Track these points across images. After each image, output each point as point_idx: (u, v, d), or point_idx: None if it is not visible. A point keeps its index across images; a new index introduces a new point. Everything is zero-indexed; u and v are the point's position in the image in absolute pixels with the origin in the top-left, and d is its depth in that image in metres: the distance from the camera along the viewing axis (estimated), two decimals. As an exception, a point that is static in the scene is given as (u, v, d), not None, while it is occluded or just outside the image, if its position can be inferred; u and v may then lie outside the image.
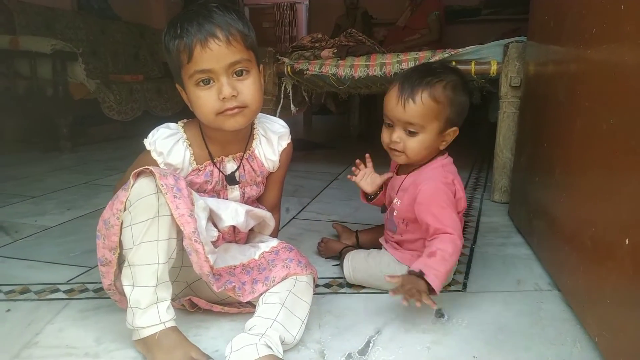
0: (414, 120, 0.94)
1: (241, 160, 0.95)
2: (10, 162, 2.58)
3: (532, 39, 1.46)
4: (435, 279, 0.86)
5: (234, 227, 0.94)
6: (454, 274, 1.12)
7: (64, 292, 1.07)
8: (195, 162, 0.91)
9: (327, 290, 1.07)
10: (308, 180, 2.16)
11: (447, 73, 0.97)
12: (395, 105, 0.94)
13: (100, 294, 1.04)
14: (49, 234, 1.45)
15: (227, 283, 0.86)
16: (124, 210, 0.78)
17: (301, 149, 2.96)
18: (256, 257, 0.95)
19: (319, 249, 1.25)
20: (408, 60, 1.82)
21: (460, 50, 1.80)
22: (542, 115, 1.29)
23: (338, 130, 4.15)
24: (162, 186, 0.77)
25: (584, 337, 0.86)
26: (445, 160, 1.03)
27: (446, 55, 1.79)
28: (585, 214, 0.91)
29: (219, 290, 0.84)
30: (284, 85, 2.07)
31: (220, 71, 0.82)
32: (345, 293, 1.05)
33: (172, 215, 0.78)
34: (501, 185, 1.75)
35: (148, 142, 0.89)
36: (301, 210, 1.71)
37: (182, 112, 3.43)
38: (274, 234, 1.08)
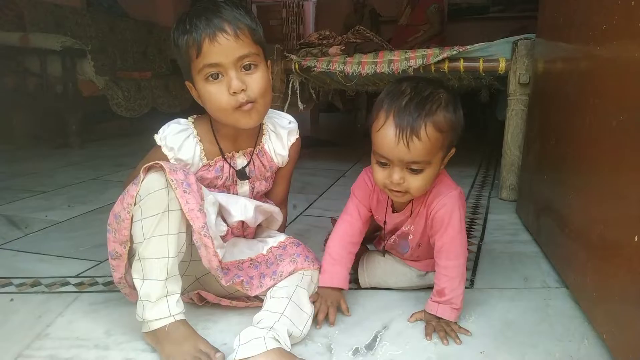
0: (420, 158, 0.81)
1: (251, 155, 0.96)
2: (21, 158, 2.61)
3: (540, 36, 1.45)
4: (453, 312, 0.88)
5: (242, 222, 0.95)
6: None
7: (74, 285, 1.08)
8: (205, 158, 0.92)
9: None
10: (315, 177, 2.16)
11: (437, 90, 0.84)
12: (395, 145, 0.80)
13: (110, 288, 1.05)
14: (59, 229, 1.47)
15: (235, 277, 0.87)
16: (135, 204, 0.79)
17: (308, 146, 2.96)
18: (264, 252, 0.96)
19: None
20: (416, 58, 1.81)
21: (468, 47, 1.80)
22: (551, 112, 1.28)
23: (345, 128, 4.15)
24: (172, 181, 0.78)
25: (591, 334, 0.86)
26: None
27: (454, 52, 1.79)
28: (594, 211, 0.90)
29: (227, 284, 0.85)
30: (291, 82, 2.07)
31: (228, 65, 0.82)
32: (352, 288, 1.05)
33: (181, 209, 0.79)
34: (509, 183, 1.74)
35: (159, 138, 0.90)
36: (308, 206, 1.71)
37: (189, 109, 3.45)
38: (282, 229, 1.08)
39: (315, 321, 0.88)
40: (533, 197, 1.39)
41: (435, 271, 0.92)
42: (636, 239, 0.71)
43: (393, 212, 0.97)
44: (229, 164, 0.94)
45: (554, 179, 1.19)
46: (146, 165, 0.80)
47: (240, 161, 0.95)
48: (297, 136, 1.01)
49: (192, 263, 0.91)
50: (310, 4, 6.08)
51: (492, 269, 1.16)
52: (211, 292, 0.94)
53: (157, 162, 0.80)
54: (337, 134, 3.78)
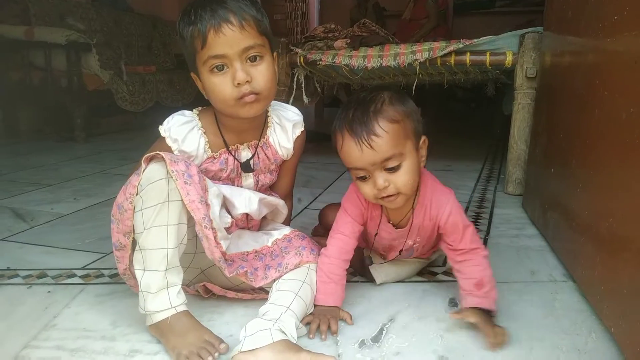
0: (389, 153, 0.80)
1: (256, 148, 0.96)
2: (26, 152, 2.62)
3: (548, 29, 1.44)
4: (493, 303, 0.86)
5: (247, 214, 0.95)
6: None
7: (80, 277, 1.08)
8: (210, 150, 0.92)
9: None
10: (320, 172, 2.16)
11: (377, 92, 0.84)
12: (360, 153, 0.80)
13: (116, 280, 1.05)
14: (65, 221, 1.47)
15: (239, 268, 0.87)
16: (136, 194, 0.79)
17: (312, 141, 2.95)
18: (269, 244, 0.95)
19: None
20: (422, 51, 1.80)
21: (475, 40, 1.78)
22: (559, 106, 1.27)
23: (349, 123, 4.13)
24: (173, 172, 0.78)
25: (599, 327, 0.86)
26: (426, 175, 0.94)
27: (461, 45, 1.78)
28: (602, 205, 0.89)
29: (231, 274, 0.85)
30: (296, 75, 2.06)
31: (234, 56, 0.82)
32: (358, 282, 1.05)
33: (182, 200, 0.79)
34: (515, 177, 1.73)
35: (163, 129, 0.89)
36: (313, 200, 1.71)
37: (193, 103, 3.44)
38: (287, 222, 1.08)
39: (319, 332, 0.83)
40: (539, 191, 1.38)
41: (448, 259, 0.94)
42: (646, 231, 0.70)
43: (396, 228, 0.96)
44: (234, 157, 0.94)
45: (561, 173, 1.18)
46: (147, 155, 0.81)
47: (245, 154, 0.95)
48: (302, 129, 1.00)
49: (197, 255, 0.91)
50: (314, -3, 6.05)
51: (499, 263, 1.15)
52: (217, 284, 0.94)
53: (158, 152, 0.80)
54: (341, 129, 3.76)
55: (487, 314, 0.84)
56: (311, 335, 0.82)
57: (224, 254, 0.84)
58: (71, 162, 2.38)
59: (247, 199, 0.91)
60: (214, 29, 0.80)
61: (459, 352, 0.80)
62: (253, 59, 0.84)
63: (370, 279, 1.04)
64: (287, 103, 1.04)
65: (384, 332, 0.85)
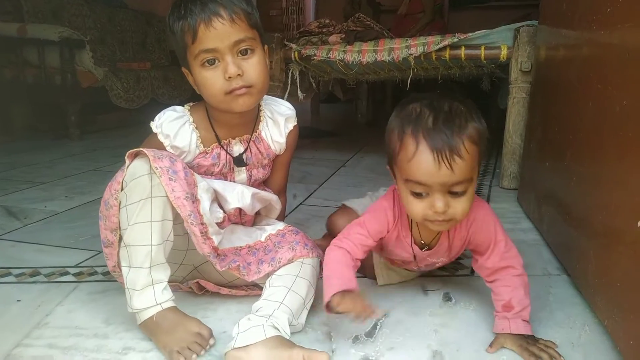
0: (463, 177, 0.72)
1: (248, 142, 0.95)
2: (20, 149, 2.60)
3: (543, 22, 1.43)
4: (527, 325, 0.80)
5: (240, 209, 0.94)
6: (462, 258, 1.12)
7: (73, 275, 1.08)
8: (202, 145, 0.91)
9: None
10: (315, 167, 2.15)
11: (454, 103, 0.75)
12: (436, 170, 0.70)
13: (109, 277, 1.05)
14: (58, 219, 1.46)
15: (232, 262, 0.87)
16: (121, 190, 0.79)
17: (308, 137, 2.95)
18: (262, 239, 0.95)
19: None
20: (417, 45, 1.79)
21: (469, 34, 1.78)
22: (553, 99, 1.27)
23: (345, 118, 4.13)
24: (157, 169, 0.78)
25: (593, 320, 0.86)
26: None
27: (455, 39, 1.77)
28: (596, 198, 0.89)
29: (223, 269, 0.85)
30: (291, 71, 2.05)
31: (225, 50, 0.81)
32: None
33: (167, 197, 0.79)
34: (510, 172, 1.73)
35: (155, 125, 0.89)
36: (308, 196, 1.70)
37: (190, 100, 3.42)
38: (281, 218, 1.08)
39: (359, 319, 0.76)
40: (534, 185, 1.38)
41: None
42: (639, 224, 0.70)
43: (421, 249, 0.89)
44: (226, 151, 0.93)
45: (555, 167, 1.18)
46: (131, 151, 0.80)
47: (237, 148, 0.94)
48: (295, 123, 0.99)
49: (189, 252, 0.91)
50: (310, -7, 6.03)
51: (493, 257, 1.15)
52: (210, 281, 0.93)
53: (141, 149, 0.80)
54: (337, 125, 3.76)
55: (524, 337, 0.78)
56: (374, 315, 0.79)
57: (216, 249, 0.84)
58: (65, 159, 2.36)
59: (239, 194, 0.91)
60: (205, 23, 0.80)
61: (453, 346, 0.80)
62: (244, 53, 0.83)
63: (371, 277, 1.03)
64: (282, 99, 1.03)
65: (378, 327, 0.85)
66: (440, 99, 0.76)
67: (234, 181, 0.95)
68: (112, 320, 0.88)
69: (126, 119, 3.64)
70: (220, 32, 0.80)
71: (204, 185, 0.85)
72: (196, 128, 0.91)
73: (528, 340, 0.78)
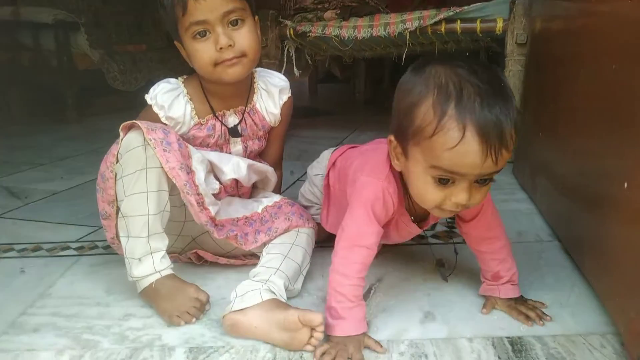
0: (499, 168, 0.64)
1: (243, 114, 0.96)
2: (19, 133, 2.61)
3: (538, -7, 1.43)
4: (516, 289, 0.82)
5: (236, 181, 0.96)
6: (455, 227, 1.13)
7: (74, 249, 1.10)
8: (197, 117, 0.92)
9: (331, 244, 1.08)
10: (312, 146, 2.16)
11: (495, 72, 0.65)
12: (481, 163, 0.61)
13: (109, 250, 1.07)
14: (59, 198, 1.48)
15: (229, 231, 0.89)
16: (116, 162, 0.81)
17: (306, 116, 2.95)
18: (259, 211, 0.97)
19: None
20: (412, 20, 1.78)
21: (465, 7, 1.76)
22: (548, 71, 1.27)
23: (344, 98, 4.11)
24: (151, 140, 0.80)
25: (581, 282, 0.88)
26: None
27: (451, 13, 1.76)
28: (586, 164, 0.91)
29: (221, 237, 0.87)
30: (286, 48, 2.04)
31: (215, 21, 0.82)
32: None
33: (162, 167, 0.80)
34: (506, 145, 1.74)
35: (149, 97, 0.90)
36: (305, 172, 1.71)
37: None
38: (277, 190, 1.09)
39: None
40: (529, 157, 1.39)
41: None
42: (625, 185, 0.71)
43: (420, 227, 0.84)
44: (221, 122, 0.94)
45: (548, 135, 1.19)
46: (125, 123, 0.82)
47: (232, 119, 0.96)
48: (289, 95, 1.00)
49: (187, 223, 0.93)
50: (306, -28, 5.93)
51: (487, 226, 1.17)
52: (209, 251, 0.95)
53: (135, 121, 0.82)
54: (335, 104, 3.75)
55: (514, 299, 0.80)
56: None
57: (213, 219, 0.86)
58: (64, 141, 2.37)
59: (235, 165, 0.92)
60: None
61: (445, 307, 0.82)
62: (234, 23, 0.84)
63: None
64: None
65: (372, 291, 0.87)
66: (477, 65, 0.64)
67: (230, 153, 0.97)
68: (113, 290, 0.91)
69: (123, 101, 3.63)
70: (209, 3, 0.81)
71: (199, 157, 0.86)
72: (190, 100, 0.92)
73: (517, 301, 0.81)
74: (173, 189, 0.84)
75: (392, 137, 0.71)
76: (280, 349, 0.72)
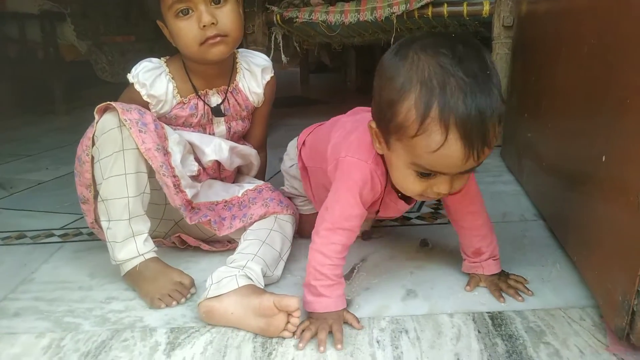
0: (482, 162, 0.64)
1: (225, 93, 0.95)
2: (6, 126, 2.58)
3: (523, -26, 1.42)
4: (497, 263, 0.82)
5: (218, 163, 0.95)
6: (442, 208, 1.14)
7: (58, 236, 1.09)
8: (179, 95, 0.92)
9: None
10: (302, 133, 2.15)
11: (481, 55, 0.61)
12: (462, 163, 0.61)
13: (94, 237, 1.05)
14: (44, 187, 1.47)
15: (203, 216, 0.88)
16: (93, 145, 0.80)
17: (298, 105, 2.95)
18: (239, 195, 0.96)
19: None
20: (399, 4, 1.77)
21: (451, -10, 1.76)
22: (532, 51, 1.27)
23: (335, 87, 4.10)
24: (126, 121, 0.79)
25: (564, 259, 0.88)
26: None
27: (438, -4, 1.75)
28: (567, 141, 0.91)
29: (193, 222, 0.86)
30: (274, 35, 2.03)
31: (198, 0, 0.81)
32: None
33: (138, 149, 0.79)
34: (494, 129, 1.74)
35: (131, 76, 0.90)
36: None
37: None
38: (261, 175, 1.09)
39: (316, 342, 0.68)
40: (516, 139, 1.40)
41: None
42: (603, 158, 0.72)
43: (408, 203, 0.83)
44: (204, 101, 0.94)
45: (533, 117, 1.19)
46: (100, 106, 0.81)
47: (215, 99, 0.95)
48: (272, 74, 1.00)
49: (168, 207, 0.92)
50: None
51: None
52: (191, 235, 0.95)
53: (110, 102, 0.81)
54: (327, 93, 3.73)
55: (496, 274, 0.81)
56: (301, 345, 0.67)
57: (189, 202, 0.85)
58: (52, 133, 2.35)
59: (217, 146, 0.92)
60: None
61: (427, 285, 0.82)
62: (217, 1, 0.84)
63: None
64: None
65: (355, 271, 0.87)
66: (464, 48, 0.60)
67: (213, 134, 0.96)
68: (96, 275, 0.90)
69: (112, 93, 3.60)
70: None
71: (175, 138, 0.86)
72: (172, 78, 0.92)
73: (500, 277, 0.81)
74: (152, 171, 0.83)
75: (373, 124, 0.69)
76: (261, 329, 0.72)
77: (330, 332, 0.69)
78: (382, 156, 0.73)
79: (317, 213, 0.80)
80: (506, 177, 1.39)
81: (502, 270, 0.83)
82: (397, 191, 0.79)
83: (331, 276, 0.72)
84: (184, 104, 0.92)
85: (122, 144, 0.79)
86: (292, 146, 1.02)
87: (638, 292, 0.59)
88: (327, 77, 4.71)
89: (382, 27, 1.94)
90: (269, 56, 2.05)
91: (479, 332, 0.69)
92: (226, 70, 0.95)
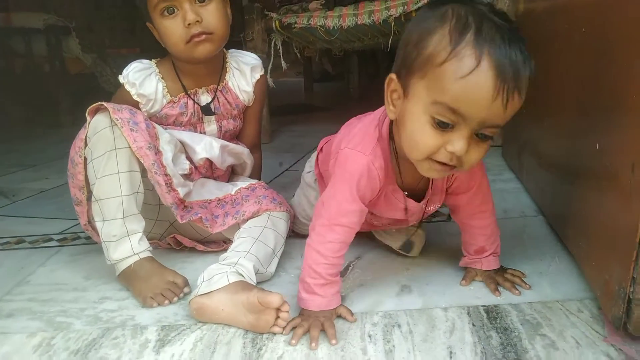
0: (506, 120, 0.59)
1: (215, 92, 0.96)
2: (12, 138, 2.62)
3: (519, -28, 1.42)
4: (497, 260, 0.81)
5: (211, 162, 0.95)
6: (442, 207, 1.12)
7: (57, 240, 1.10)
8: (168, 95, 0.92)
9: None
10: (305, 139, 2.15)
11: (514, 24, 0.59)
12: (489, 102, 0.55)
13: (91, 240, 1.06)
14: (46, 195, 1.48)
15: (194, 214, 0.87)
16: (85, 146, 0.81)
17: (301, 112, 2.97)
18: (232, 193, 0.95)
19: None
20: (396, 6, 1.78)
21: (449, -8, 1.76)
22: (530, 50, 1.26)
23: (339, 94, 4.12)
24: (117, 120, 0.79)
25: (563, 253, 0.87)
26: None
27: (435, -2, 1.75)
28: (564, 136, 0.90)
29: (183, 221, 0.86)
30: (273, 41, 2.04)
31: None
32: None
33: (130, 148, 0.79)
34: (495, 129, 1.73)
35: (122, 76, 0.91)
36: (294, 163, 1.71)
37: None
38: (256, 175, 1.09)
39: (309, 339, 0.66)
40: (516, 137, 1.38)
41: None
42: (597, 147, 0.71)
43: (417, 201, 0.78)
44: (193, 100, 0.94)
45: (530, 113, 1.18)
46: (91, 107, 0.82)
47: (204, 98, 0.96)
48: (262, 73, 1.00)
49: (163, 207, 0.92)
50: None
51: (472, 204, 1.16)
52: (186, 236, 0.95)
53: (101, 103, 0.81)
54: (330, 100, 3.75)
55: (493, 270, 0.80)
56: (293, 342, 0.66)
57: (182, 200, 0.85)
58: (57, 144, 2.37)
59: (207, 144, 0.92)
60: None
61: (422, 281, 0.81)
62: (202, 0, 0.84)
63: None
64: (266, 70, 1.03)
65: (350, 268, 0.87)
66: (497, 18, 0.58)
67: (204, 133, 0.96)
68: (91, 276, 0.90)
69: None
70: None
71: (166, 137, 0.86)
72: (162, 78, 0.93)
73: (497, 271, 0.80)
74: (145, 171, 0.83)
75: (393, 75, 0.64)
76: (252, 325, 0.71)
77: (322, 330, 0.68)
78: (387, 146, 0.71)
79: None
80: (507, 175, 1.38)
81: (501, 265, 0.81)
82: (405, 189, 0.77)
83: (325, 275, 0.71)
84: (174, 103, 0.93)
85: (114, 143, 0.79)
86: (313, 153, 0.99)
87: (634, 279, 0.57)
88: (331, 85, 4.73)
89: (381, 30, 1.94)
90: (269, 63, 2.08)
91: (473, 325, 0.67)
92: (215, 70, 0.96)
